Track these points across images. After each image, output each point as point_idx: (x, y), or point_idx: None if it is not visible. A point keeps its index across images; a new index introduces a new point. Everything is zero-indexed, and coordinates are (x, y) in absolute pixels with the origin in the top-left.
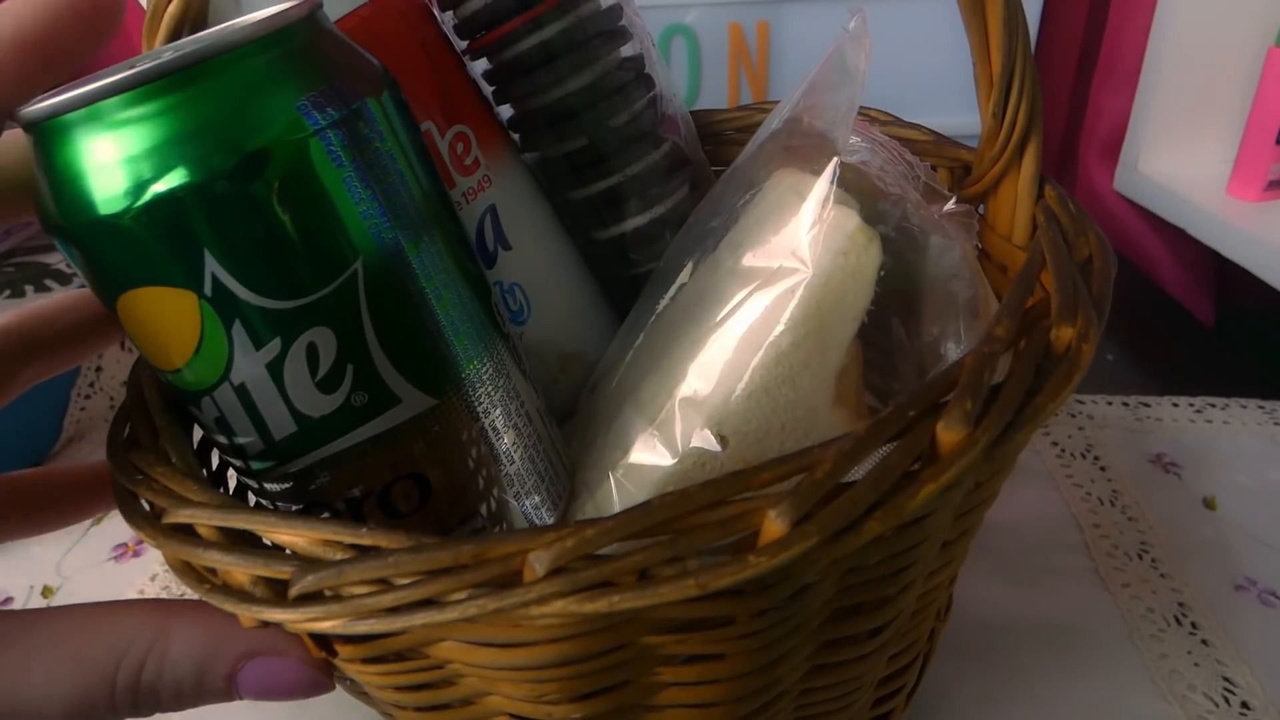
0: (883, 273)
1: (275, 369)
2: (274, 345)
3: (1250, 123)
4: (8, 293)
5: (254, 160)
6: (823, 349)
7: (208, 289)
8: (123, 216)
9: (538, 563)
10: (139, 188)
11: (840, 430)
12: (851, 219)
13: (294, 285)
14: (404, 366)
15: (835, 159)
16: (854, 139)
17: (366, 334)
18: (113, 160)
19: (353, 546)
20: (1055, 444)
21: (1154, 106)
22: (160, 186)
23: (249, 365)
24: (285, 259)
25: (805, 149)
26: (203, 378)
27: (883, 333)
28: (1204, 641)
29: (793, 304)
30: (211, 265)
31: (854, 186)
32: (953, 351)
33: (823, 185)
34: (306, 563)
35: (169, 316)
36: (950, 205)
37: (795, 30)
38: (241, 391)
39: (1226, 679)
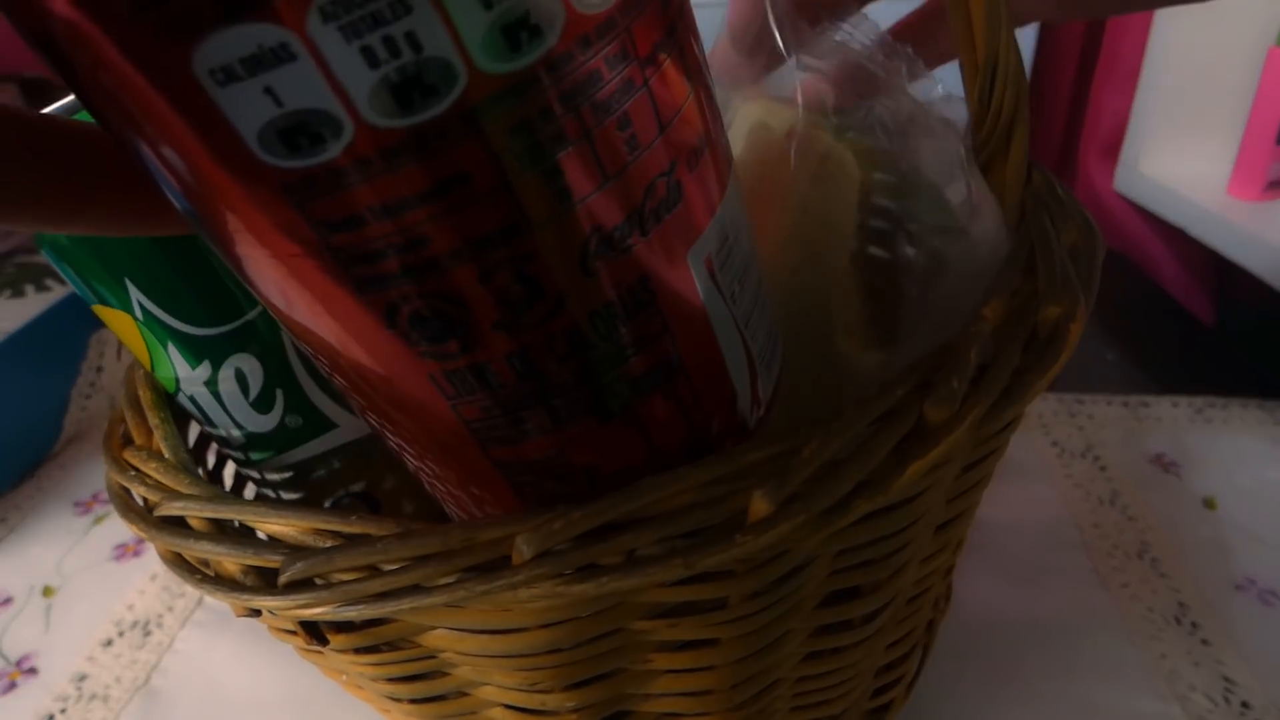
0: (876, 177)
1: (212, 388)
2: (205, 367)
3: (1250, 123)
4: (8, 293)
5: None
6: (814, 274)
7: (138, 313)
8: (60, 243)
9: (525, 546)
10: None
11: (847, 358)
12: (821, 140)
13: (212, 314)
14: (336, 394)
15: (799, 81)
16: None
17: (292, 362)
18: None
19: (341, 534)
20: (1055, 444)
21: (1154, 106)
22: None
23: (190, 382)
24: (201, 289)
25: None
26: (167, 383)
27: (888, 246)
28: (1204, 641)
29: (777, 236)
30: (135, 293)
31: (817, 104)
32: (953, 256)
33: (789, 112)
34: (296, 551)
35: (123, 332)
36: (938, 91)
37: None
38: (193, 401)
39: (1226, 678)
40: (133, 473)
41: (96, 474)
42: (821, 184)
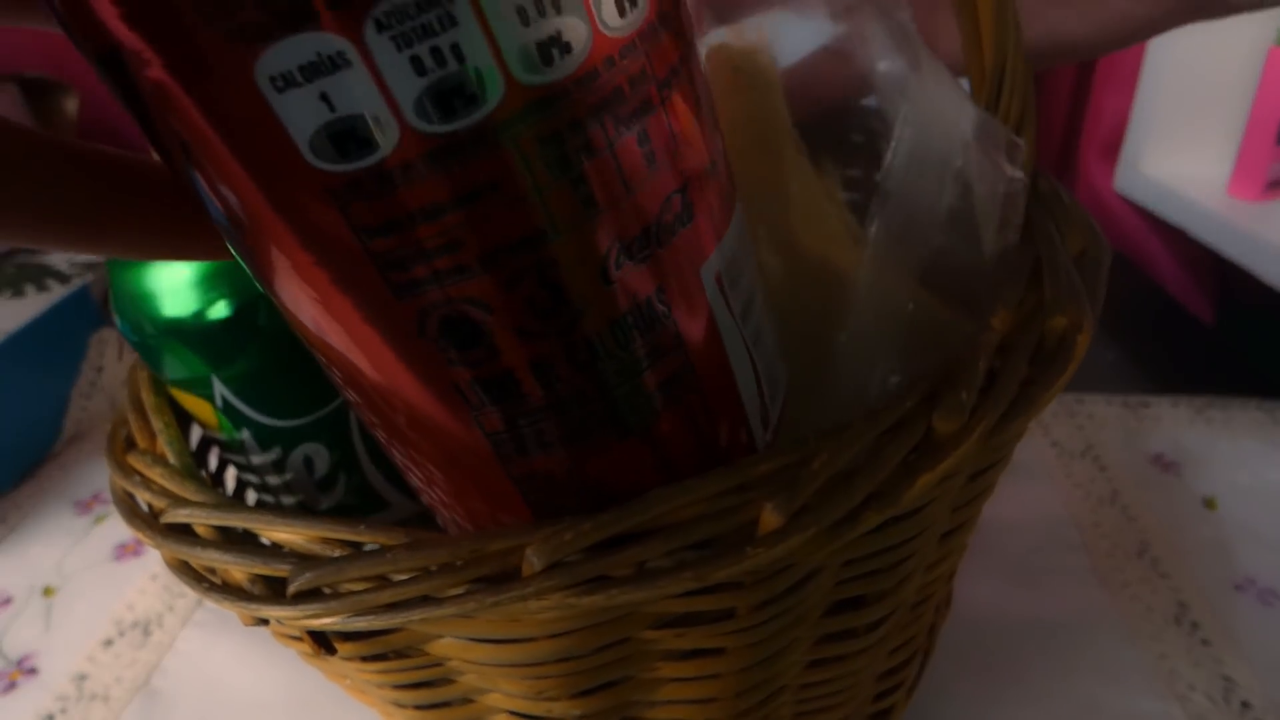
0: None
1: (279, 468)
2: (276, 451)
3: (1250, 123)
4: (8, 293)
5: (245, 311)
6: (763, 189)
7: (219, 403)
8: (148, 339)
9: (535, 557)
10: (158, 319)
11: (833, 261)
12: (726, 54)
13: (289, 409)
14: (394, 477)
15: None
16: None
17: (358, 450)
18: (147, 290)
19: (350, 544)
20: (1055, 444)
21: (1154, 106)
22: (173, 321)
23: (260, 459)
24: (280, 388)
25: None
26: (233, 450)
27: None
28: (1204, 641)
29: None
30: (220, 387)
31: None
32: (907, 126)
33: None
34: (304, 560)
35: (198, 411)
36: None
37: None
38: (258, 473)
39: (1226, 678)
40: (137, 478)
41: (97, 474)
42: (740, 94)
